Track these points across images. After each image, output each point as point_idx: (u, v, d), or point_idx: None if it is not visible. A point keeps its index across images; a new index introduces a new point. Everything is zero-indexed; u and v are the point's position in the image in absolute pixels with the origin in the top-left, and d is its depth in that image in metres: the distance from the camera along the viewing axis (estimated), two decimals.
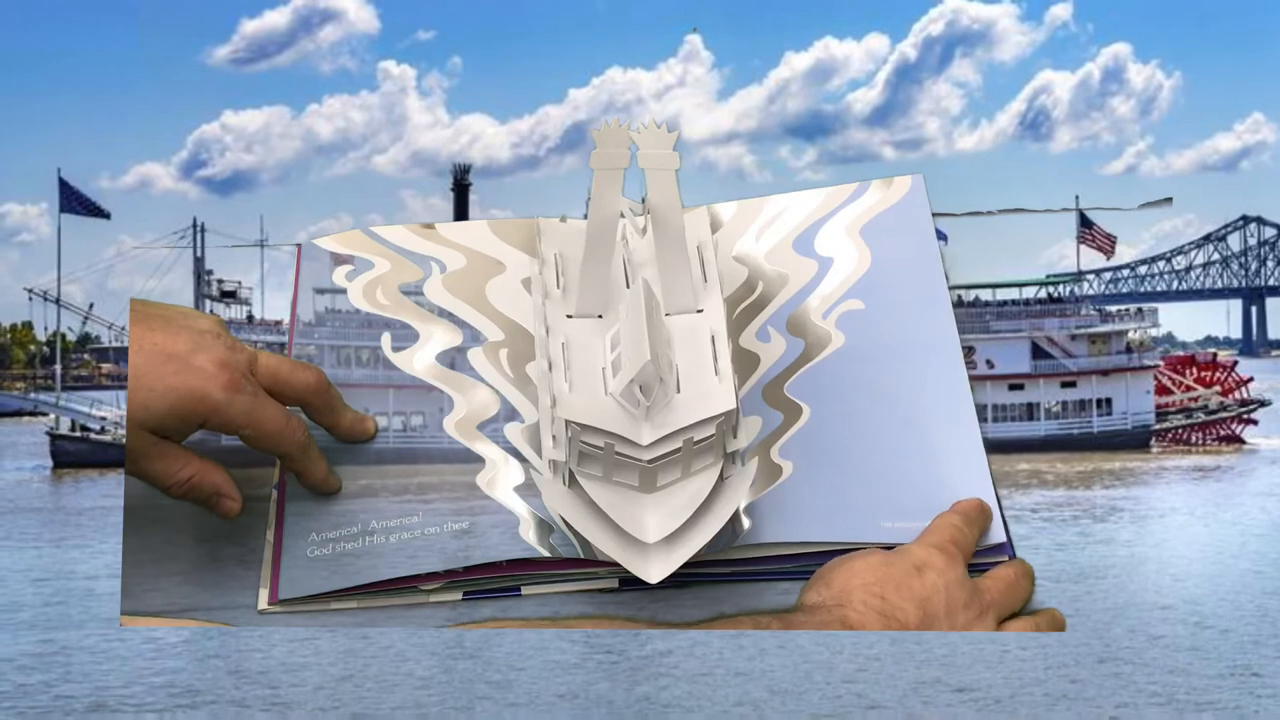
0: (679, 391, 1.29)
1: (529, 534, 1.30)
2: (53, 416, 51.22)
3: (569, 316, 1.36)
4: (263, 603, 1.30)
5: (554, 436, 1.29)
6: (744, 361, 1.39)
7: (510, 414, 1.36)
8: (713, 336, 1.34)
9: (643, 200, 1.42)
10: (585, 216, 1.38)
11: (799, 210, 1.48)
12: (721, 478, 1.29)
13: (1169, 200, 68.50)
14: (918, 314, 1.42)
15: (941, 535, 1.31)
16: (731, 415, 1.29)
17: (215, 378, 1.28)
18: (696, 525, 1.26)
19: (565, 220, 1.45)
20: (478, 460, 1.34)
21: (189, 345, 1.29)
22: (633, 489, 1.27)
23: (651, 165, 1.35)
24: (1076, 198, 58.89)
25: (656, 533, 1.24)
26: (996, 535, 1.33)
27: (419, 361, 1.39)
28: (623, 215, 1.40)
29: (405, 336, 1.40)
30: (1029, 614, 1.33)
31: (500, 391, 1.37)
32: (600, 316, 1.36)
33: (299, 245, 1.48)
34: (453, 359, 1.39)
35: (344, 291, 1.43)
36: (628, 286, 1.36)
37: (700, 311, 1.37)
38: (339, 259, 1.44)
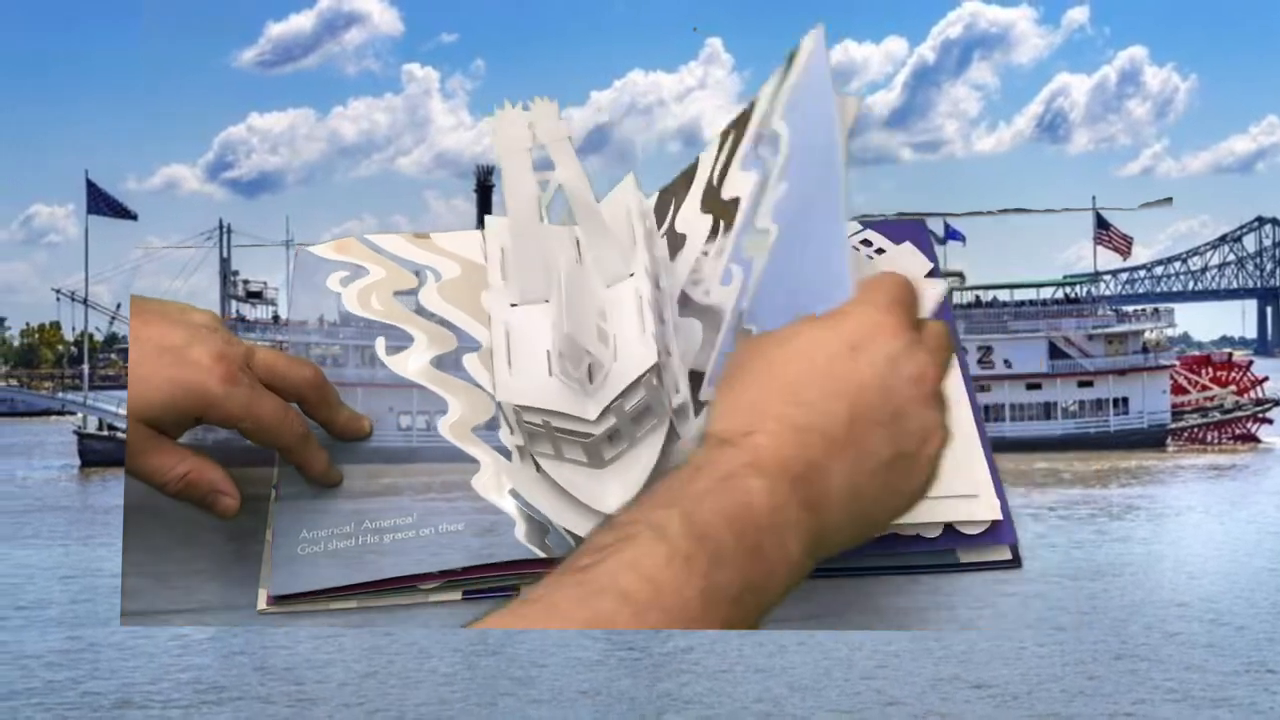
0: (616, 360, 1.27)
1: (525, 534, 1.29)
2: (80, 415, 51.40)
3: (513, 305, 1.36)
4: (262, 603, 1.28)
5: (509, 423, 1.30)
6: (709, 315, 1.31)
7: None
8: (639, 296, 1.31)
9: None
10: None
11: (712, 148, 1.38)
12: (677, 436, 1.27)
13: (1169, 200, 71.78)
14: (813, 196, 1.21)
15: (882, 292, 1.10)
16: (656, 371, 1.26)
17: (212, 370, 1.26)
18: None
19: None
20: (473, 461, 1.34)
21: (185, 338, 1.27)
22: (584, 465, 1.26)
23: (548, 139, 1.36)
24: (1094, 199, 58.95)
25: (616, 503, 1.23)
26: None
27: (413, 365, 1.38)
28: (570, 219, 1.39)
29: (399, 339, 1.40)
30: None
31: (493, 395, 1.37)
32: (547, 301, 1.34)
33: (296, 248, 1.49)
34: (446, 363, 1.38)
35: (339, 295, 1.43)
36: None
37: (632, 275, 1.34)
38: (356, 266, 1.44)
